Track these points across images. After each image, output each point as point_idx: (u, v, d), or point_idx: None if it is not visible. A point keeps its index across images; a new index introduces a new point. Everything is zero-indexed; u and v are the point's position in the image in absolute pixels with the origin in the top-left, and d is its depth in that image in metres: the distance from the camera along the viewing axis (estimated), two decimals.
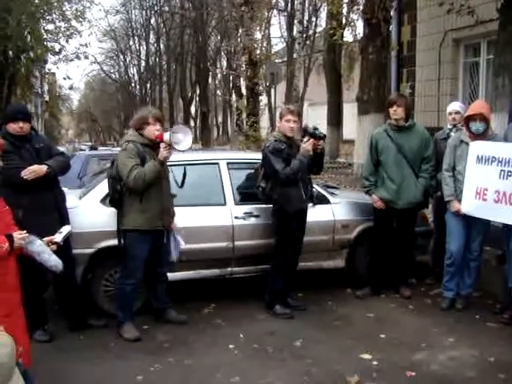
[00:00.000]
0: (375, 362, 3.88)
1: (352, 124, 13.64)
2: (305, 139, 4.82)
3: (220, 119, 40.21)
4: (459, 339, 4.29)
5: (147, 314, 4.73)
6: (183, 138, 4.27)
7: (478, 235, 4.95)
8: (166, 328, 4.56)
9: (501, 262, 5.28)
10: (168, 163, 4.53)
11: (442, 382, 3.63)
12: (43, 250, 3.35)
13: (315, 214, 5.28)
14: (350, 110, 17.02)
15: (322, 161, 5.06)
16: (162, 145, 4.27)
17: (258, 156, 6.18)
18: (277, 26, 28.41)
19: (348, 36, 14.81)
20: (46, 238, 3.38)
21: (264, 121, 22.64)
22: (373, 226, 5.47)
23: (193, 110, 37.41)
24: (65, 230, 3.64)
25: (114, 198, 4.42)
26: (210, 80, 29.77)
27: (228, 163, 5.39)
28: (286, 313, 4.88)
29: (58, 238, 3.53)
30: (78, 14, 16.86)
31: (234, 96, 22.34)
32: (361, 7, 9.27)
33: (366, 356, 3.98)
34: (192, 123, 33.25)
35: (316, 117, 30.31)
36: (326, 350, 4.12)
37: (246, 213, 5.21)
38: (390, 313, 4.96)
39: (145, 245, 4.39)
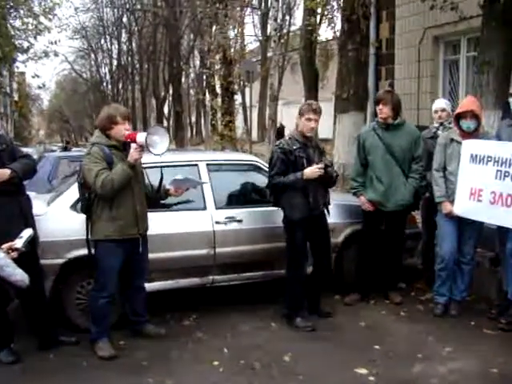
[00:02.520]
0: (372, 378, 3.63)
1: (327, 122, 13.47)
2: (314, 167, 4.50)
3: (193, 119, 39.84)
4: (457, 348, 4.07)
5: (124, 329, 4.39)
6: (160, 140, 3.92)
7: (470, 238, 4.76)
8: (144, 343, 4.22)
9: (494, 265, 5.11)
10: (143, 165, 4.22)
11: None
12: (7, 263, 3.02)
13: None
14: (324, 109, 16.86)
15: (329, 179, 4.70)
16: (133, 146, 3.92)
17: (240, 157, 5.89)
18: (250, 25, 28.19)
19: (325, 33, 14.72)
20: (4, 245, 3.05)
21: (239, 120, 22.38)
22: (361, 229, 5.24)
23: (166, 109, 36.98)
24: (25, 234, 3.31)
25: (84, 206, 4.09)
26: (183, 79, 29.38)
27: (208, 165, 5.09)
28: (307, 326, 4.55)
29: (19, 243, 3.20)
30: (47, 10, 16.29)
31: (207, 95, 22.00)
32: (340, 3, 9.06)
33: (363, 371, 3.72)
34: (165, 123, 32.80)
35: (291, 116, 30.25)
36: (319, 365, 3.85)
37: (227, 217, 4.92)
38: (382, 321, 4.73)
39: (117, 255, 4.04)
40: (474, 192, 4.50)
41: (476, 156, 4.51)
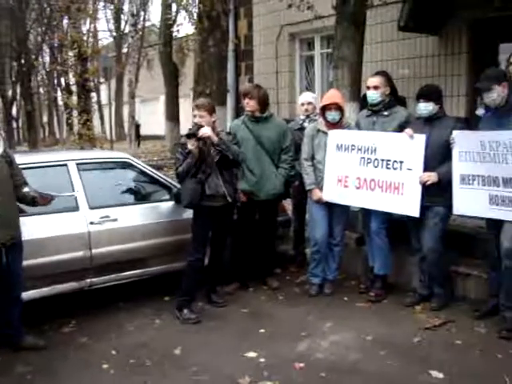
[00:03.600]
0: (262, 360, 3.79)
1: (186, 119, 13.54)
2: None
3: (45, 118, 37.50)
4: (335, 323, 4.40)
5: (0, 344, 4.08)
6: None
7: (339, 221, 5.12)
8: (24, 357, 3.96)
9: (359, 244, 5.56)
10: None
11: (331, 368, 3.66)
12: None
13: (165, 213, 5.05)
14: (182, 105, 16.91)
15: (227, 158, 4.66)
16: None
17: (111, 155, 5.75)
18: (104, 20, 27.19)
19: (182, 29, 14.72)
20: None
21: (96, 118, 21.59)
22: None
23: (14, 109, 34.33)
24: None
25: None
26: (32, 76, 27.49)
27: (78, 164, 4.89)
28: (190, 318, 4.57)
29: None
30: None
31: (60, 93, 20.89)
32: None
33: (252, 354, 3.87)
34: (14, 124, 30.48)
35: (148, 113, 29.85)
36: (209, 354, 3.93)
37: (102, 217, 4.78)
38: (263, 306, 4.93)
39: None
40: (341, 178, 4.88)
41: (341, 145, 4.88)
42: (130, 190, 5.22)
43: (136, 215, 4.96)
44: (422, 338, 4.11)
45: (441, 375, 3.54)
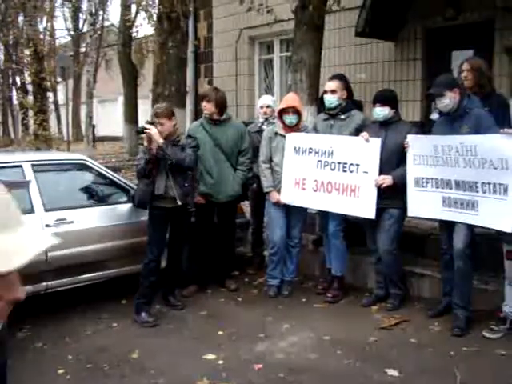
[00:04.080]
0: (221, 361, 3.80)
1: (145, 120, 13.49)
2: None
3: None
4: (293, 324, 4.45)
5: None
6: None
7: (297, 223, 5.19)
8: None
9: (317, 246, 5.64)
10: None
11: (290, 368, 3.70)
12: None
13: (123, 215, 5.01)
14: (140, 106, 16.77)
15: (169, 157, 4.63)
16: None
17: (68, 156, 5.67)
18: (61, 18, 26.60)
19: (142, 29, 14.57)
20: None
21: (52, 119, 21.13)
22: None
23: None
24: None
25: None
26: None
27: (33, 165, 4.79)
28: (148, 321, 4.54)
29: None
30: None
31: (15, 92, 20.35)
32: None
33: (210, 356, 3.88)
34: None
35: (106, 114, 29.39)
36: (167, 357, 3.91)
37: (58, 219, 4.69)
38: (221, 308, 4.94)
39: None
40: (299, 181, 4.94)
41: (299, 148, 4.94)
42: (86, 192, 5.15)
43: (93, 217, 4.90)
44: (378, 337, 4.21)
45: (396, 373, 3.63)
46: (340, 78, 5.26)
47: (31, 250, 0.91)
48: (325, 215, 5.08)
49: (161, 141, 4.52)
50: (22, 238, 0.92)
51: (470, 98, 4.36)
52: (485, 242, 4.48)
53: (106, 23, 21.50)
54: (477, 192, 4.13)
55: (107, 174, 5.20)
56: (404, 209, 4.59)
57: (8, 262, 0.89)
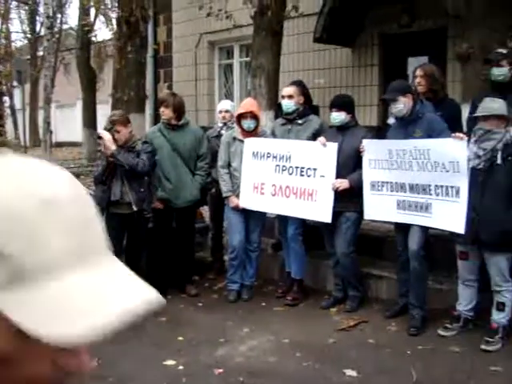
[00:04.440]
0: (181, 367, 3.79)
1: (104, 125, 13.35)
2: None
3: None
4: (253, 328, 4.47)
5: None
6: None
7: (256, 227, 5.22)
8: None
9: (276, 250, 5.68)
10: None
11: (249, 372, 3.72)
12: None
13: None
14: (100, 111, 16.55)
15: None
16: None
17: None
18: (17, 20, 25.94)
19: (101, 33, 14.40)
20: None
21: (9, 124, 20.63)
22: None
23: None
24: None
25: None
26: None
27: None
28: None
29: None
30: None
31: None
32: (117, 4, 8.99)
33: (170, 362, 3.87)
34: None
35: (65, 119, 28.86)
36: (128, 364, 3.87)
37: None
38: (181, 313, 4.92)
39: None
40: (257, 186, 4.97)
41: (257, 153, 4.98)
42: None
43: None
44: (337, 338, 4.27)
45: (354, 373, 3.69)
46: (297, 83, 5.33)
47: (112, 306, 0.52)
48: (283, 219, 5.13)
49: (113, 147, 4.52)
50: (102, 283, 0.54)
51: (423, 103, 4.49)
52: (439, 243, 4.60)
53: (65, 26, 21.13)
54: (430, 195, 4.25)
55: None
56: (360, 212, 4.68)
57: (71, 325, 0.49)
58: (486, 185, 3.95)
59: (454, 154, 4.06)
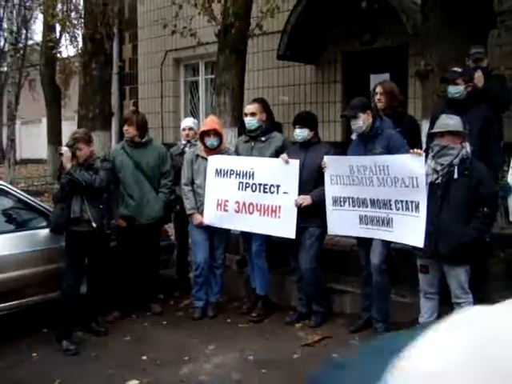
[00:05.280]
0: None
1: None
2: None
3: None
4: (218, 345, 4.45)
5: None
6: None
7: (220, 244, 5.22)
8: None
9: (241, 266, 5.68)
10: None
11: None
12: None
13: (41, 241, 4.85)
14: (66, 128, 16.33)
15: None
16: None
17: None
18: None
19: (66, 50, 14.29)
20: None
21: None
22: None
23: None
24: None
25: None
26: None
27: None
28: (69, 349, 4.41)
29: None
30: None
31: None
32: (82, 21, 8.94)
33: (134, 382, 3.83)
34: None
35: (30, 135, 28.41)
36: None
37: None
38: (146, 332, 4.87)
39: None
40: (221, 203, 4.99)
41: (220, 170, 5.00)
42: (2, 218, 4.97)
43: (9, 244, 4.72)
44: (302, 354, 4.28)
45: None
46: (259, 101, 5.39)
47: None
48: (247, 236, 5.14)
49: (68, 165, 4.51)
50: None
51: (383, 120, 4.58)
52: (401, 257, 4.68)
53: (30, 42, 20.90)
54: (391, 209, 4.33)
55: (25, 199, 5.04)
56: (324, 227, 4.72)
57: None
58: (444, 199, 4.04)
59: (412, 169, 4.15)
